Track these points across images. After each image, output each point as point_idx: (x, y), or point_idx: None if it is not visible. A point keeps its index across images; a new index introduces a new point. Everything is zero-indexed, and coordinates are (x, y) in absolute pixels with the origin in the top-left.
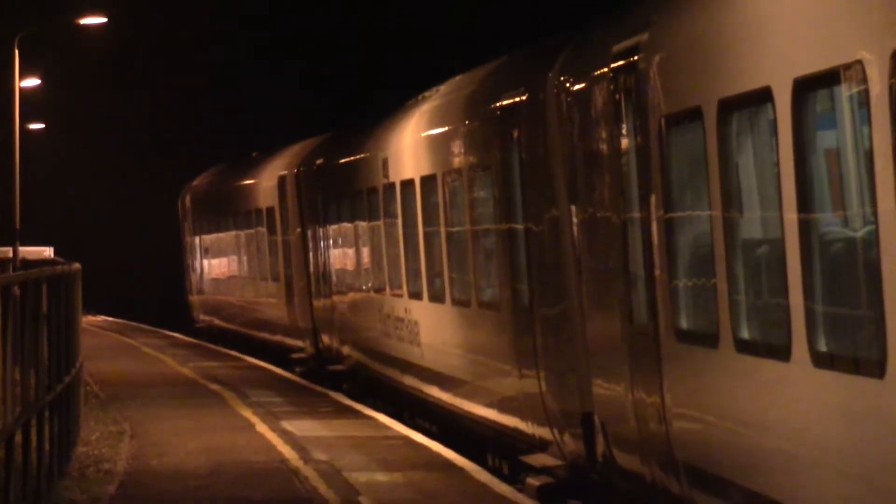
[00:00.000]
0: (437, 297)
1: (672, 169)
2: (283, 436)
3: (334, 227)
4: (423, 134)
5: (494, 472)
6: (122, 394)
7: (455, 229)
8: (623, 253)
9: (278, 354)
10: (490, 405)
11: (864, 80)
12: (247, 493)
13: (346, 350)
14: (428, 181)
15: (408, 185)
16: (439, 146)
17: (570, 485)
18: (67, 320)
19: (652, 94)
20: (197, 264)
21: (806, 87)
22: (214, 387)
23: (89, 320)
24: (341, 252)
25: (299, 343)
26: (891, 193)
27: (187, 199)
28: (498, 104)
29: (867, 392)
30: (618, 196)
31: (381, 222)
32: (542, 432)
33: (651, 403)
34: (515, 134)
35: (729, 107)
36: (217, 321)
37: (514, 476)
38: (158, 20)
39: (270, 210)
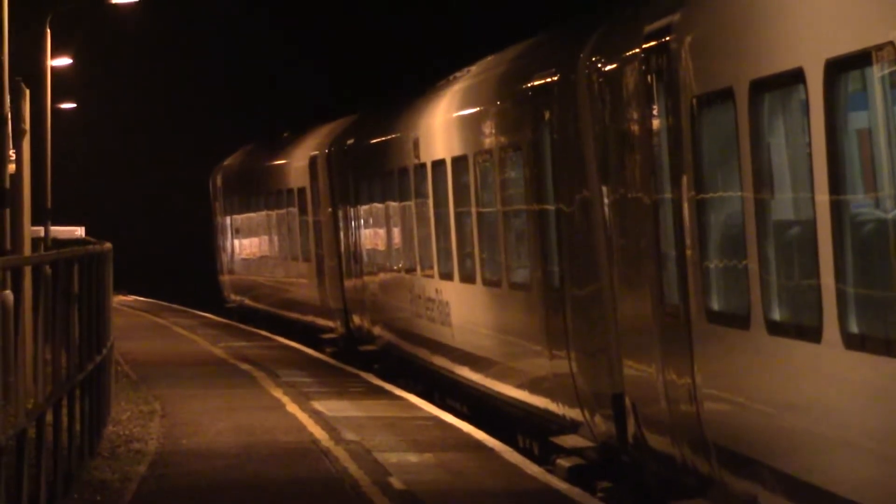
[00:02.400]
0: (468, 278)
1: (703, 150)
2: (313, 416)
3: (365, 207)
4: (455, 114)
5: (525, 452)
6: (152, 373)
7: (486, 210)
8: (654, 234)
9: (309, 335)
10: (521, 386)
11: (895, 61)
12: (277, 473)
13: (376, 330)
14: (459, 161)
15: (439, 165)
16: (470, 127)
17: (600, 466)
18: (98, 300)
19: (683, 75)
20: (228, 244)
21: (838, 68)
22: (245, 367)
23: (120, 300)
24: (372, 232)
25: (330, 323)
26: None
27: (218, 178)
28: (529, 85)
29: None
30: (649, 177)
31: (412, 202)
32: (573, 413)
33: (682, 384)
34: (547, 115)
35: (760, 87)
36: (248, 301)
37: (545, 457)
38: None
39: (301, 190)
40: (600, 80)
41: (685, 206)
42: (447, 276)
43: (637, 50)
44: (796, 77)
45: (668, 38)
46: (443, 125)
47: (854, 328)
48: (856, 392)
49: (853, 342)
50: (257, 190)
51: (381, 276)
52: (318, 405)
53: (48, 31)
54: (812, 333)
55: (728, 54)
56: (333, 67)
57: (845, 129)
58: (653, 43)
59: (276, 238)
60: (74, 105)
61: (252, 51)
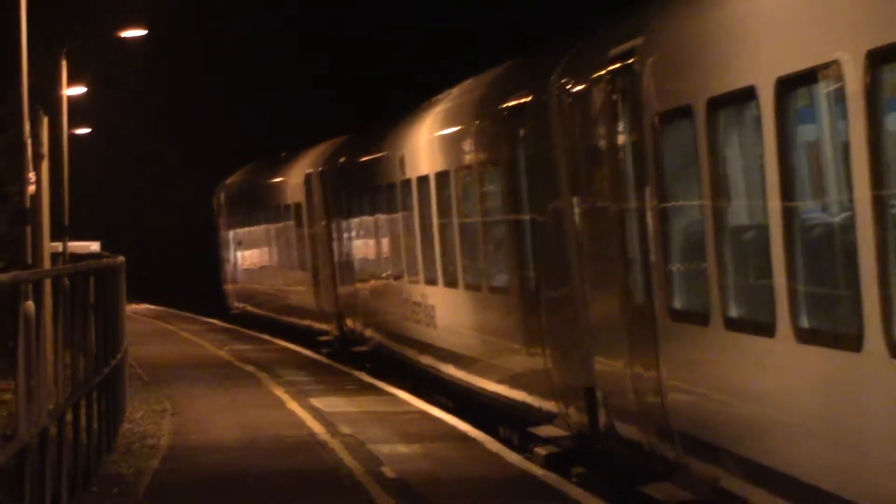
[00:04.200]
0: (451, 283)
1: (665, 163)
2: (311, 412)
3: (356, 220)
4: (437, 133)
5: (505, 442)
6: (163, 375)
7: (467, 220)
8: (621, 240)
9: (306, 337)
10: (501, 381)
11: (841, 78)
12: (279, 464)
13: (368, 332)
14: (442, 177)
15: (423, 180)
16: (452, 145)
17: (574, 453)
18: (113, 309)
19: (646, 94)
20: (231, 256)
21: (787, 86)
22: (248, 368)
23: (133, 308)
24: (363, 243)
25: (325, 327)
26: (866, 182)
27: (221, 195)
28: (505, 105)
29: (846, 364)
30: (615, 188)
31: (399, 215)
32: (549, 406)
33: (648, 378)
34: (521, 132)
35: (717, 105)
36: (250, 308)
37: (524, 446)
38: (197, 30)
39: (298, 205)
40: (570, 100)
41: (649, 214)
42: (432, 281)
43: (603, 72)
44: (749, 94)
45: (631, 61)
46: (426, 144)
47: (805, 323)
48: (807, 382)
49: (804, 336)
50: (257, 205)
51: (372, 282)
52: (316, 402)
53: (64, 62)
54: (766, 329)
55: (687, 74)
56: (335, 88)
57: (795, 141)
58: (617, 65)
59: (275, 249)
60: (89, 130)
61: (253, 77)
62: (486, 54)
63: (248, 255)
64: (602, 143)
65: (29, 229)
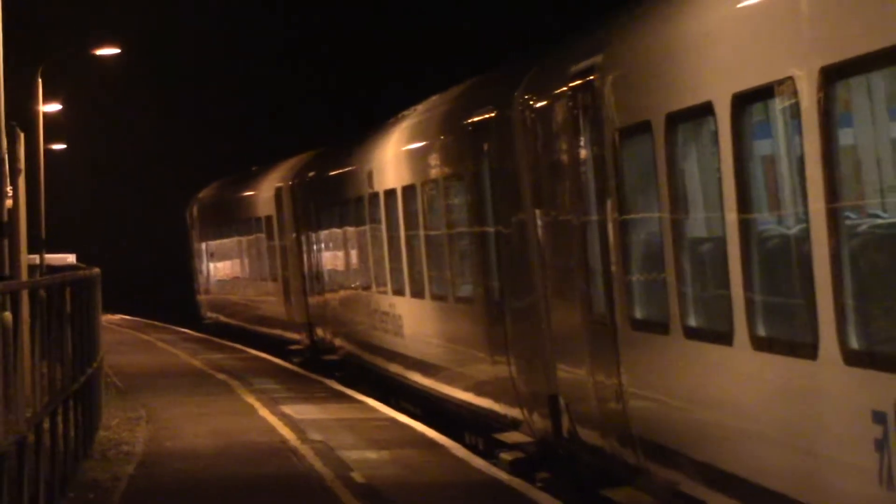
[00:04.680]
0: (418, 293)
1: (625, 176)
2: (282, 419)
3: (326, 232)
4: (404, 148)
5: (471, 448)
6: (138, 383)
7: (433, 232)
8: (583, 251)
9: (277, 346)
10: (467, 389)
11: (795, 94)
12: (251, 470)
13: (338, 342)
14: (408, 190)
15: (390, 194)
16: (418, 159)
17: (539, 459)
18: (89, 319)
19: (606, 110)
20: (204, 267)
21: (744, 101)
22: (221, 376)
23: (109, 319)
24: (332, 254)
25: (296, 336)
26: (820, 195)
27: (194, 209)
28: (470, 121)
29: (801, 372)
30: (577, 201)
31: (367, 227)
32: (514, 412)
33: (609, 385)
34: (486, 147)
35: (675, 120)
36: (222, 318)
37: (490, 452)
38: (169, 48)
39: (269, 218)
40: (533, 115)
41: (610, 226)
42: (399, 292)
43: (565, 88)
44: (707, 110)
45: (592, 77)
46: (393, 158)
47: (761, 332)
48: (763, 388)
49: (761, 344)
50: (229, 218)
51: (341, 293)
52: (287, 409)
53: (39, 80)
54: (724, 337)
55: (646, 91)
56: (311, 101)
57: (751, 155)
58: (578, 82)
59: (246, 261)
60: (65, 146)
61: (225, 94)
62: (485, 55)
63: (221, 266)
64: (564, 158)
65: (6, 242)
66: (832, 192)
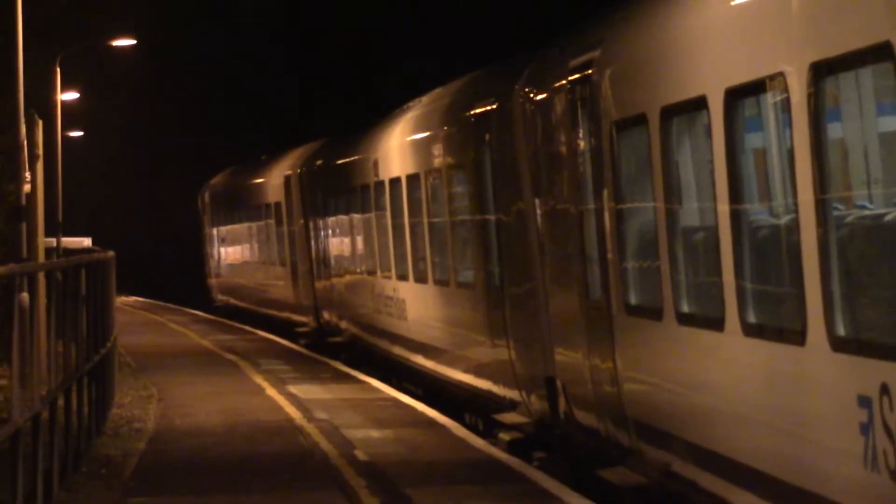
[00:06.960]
0: (421, 279)
1: (621, 167)
2: (289, 398)
3: (332, 218)
4: (408, 138)
5: (471, 428)
6: (150, 363)
7: (436, 220)
8: (580, 239)
9: (285, 328)
10: (467, 371)
11: (786, 89)
12: (259, 447)
13: (343, 324)
14: (412, 179)
15: (395, 182)
16: (422, 149)
17: (536, 439)
18: (103, 300)
19: (604, 103)
20: (215, 251)
21: (736, 96)
22: (230, 357)
23: (123, 300)
24: (338, 240)
25: (303, 319)
26: (809, 187)
27: (206, 195)
28: (472, 112)
29: (790, 357)
30: (575, 190)
31: (372, 214)
32: (512, 394)
33: (605, 368)
34: (487, 138)
35: (670, 113)
36: (232, 300)
37: (488, 432)
38: (184, 39)
39: (277, 204)
40: (532, 107)
41: (606, 215)
42: (403, 277)
43: (564, 81)
44: (700, 104)
45: (590, 71)
46: (398, 148)
47: (752, 318)
48: (753, 373)
49: (751, 330)
50: (240, 204)
51: (347, 277)
52: (294, 389)
53: (58, 69)
54: (716, 323)
55: (642, 85)
56: (322, 92)
57: (743, 148)
58: (577, 75)
59: (256, 246)
60: (82, 133)
61: (239, 83)
62: (486, 54)
63: (231, 251)
64: (562, 149)
65: (24, 226)
66: (820, 184)
